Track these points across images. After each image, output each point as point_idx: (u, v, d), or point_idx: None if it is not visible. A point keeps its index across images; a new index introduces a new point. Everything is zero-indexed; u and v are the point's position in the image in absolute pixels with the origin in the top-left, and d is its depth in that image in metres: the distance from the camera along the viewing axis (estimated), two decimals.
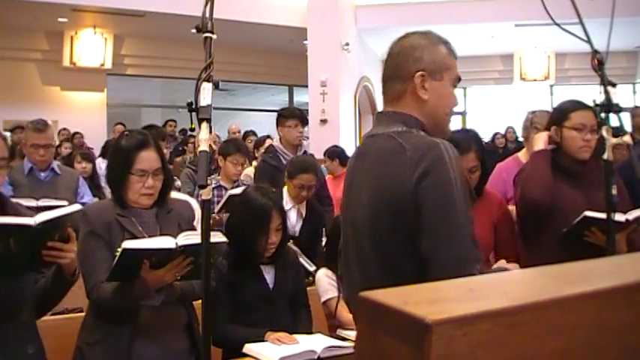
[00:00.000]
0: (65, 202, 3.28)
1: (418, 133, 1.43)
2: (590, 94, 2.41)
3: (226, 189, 4.02)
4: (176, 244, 1.93)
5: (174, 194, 2.50)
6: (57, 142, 7.11)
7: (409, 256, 1.34)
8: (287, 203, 3.44)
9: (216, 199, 3.93)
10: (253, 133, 7.73)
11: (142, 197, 2.14)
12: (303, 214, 3.62)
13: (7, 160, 1.86)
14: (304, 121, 4.25)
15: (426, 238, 1.32)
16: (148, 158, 2.14)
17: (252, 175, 4.66)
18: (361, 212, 1.46)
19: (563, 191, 2.33)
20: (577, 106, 2.42)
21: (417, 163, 1.34)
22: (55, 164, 3.93)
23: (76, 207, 1.87)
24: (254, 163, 5.22)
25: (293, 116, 4.18)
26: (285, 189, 3.58)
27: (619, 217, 2.09)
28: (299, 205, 3.60)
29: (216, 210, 3.71)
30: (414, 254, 1.33)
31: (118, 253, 1.90)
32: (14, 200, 2.04)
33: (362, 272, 1.47)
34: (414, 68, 1.48)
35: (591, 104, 2.45)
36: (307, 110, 8.75)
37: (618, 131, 1.79)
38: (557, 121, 2.43)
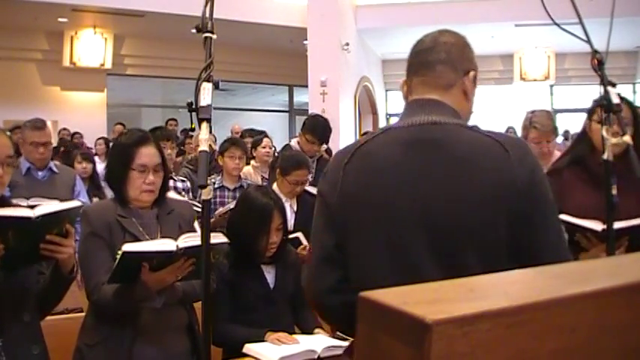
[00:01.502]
0: (56, 202, 3.28)
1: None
2: (590, 94, 2.41)
3: (229, 189, 4.02)
4: (177, 246, 1.93)
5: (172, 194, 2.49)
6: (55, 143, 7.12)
7: (509, 254, 1.28)
8: None
9: (217, 199, 3.94)
10: (250, 134, 7.73)
11: (143, 194, 2.14)
12: (295, 208, 3.63)
13: (13, 159, 1.86)
14: (324, 140, 4.24)
15: (537, 235, 1.29)
16: (148, 153, 2.15)
17: (250, 175, 4.68)
18: (453, 207, 1.29)
19: (585, 196, 2.26)
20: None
21: (521, 160, 1.29)
22: (52, 163, 3.94)
23: (76, 203, 1.88)
24: (252, 162, 5.23)
25: (312, 133, 4.17)
26: (274, 185, 3.59)
27: (595, 225, 2.01)
28: (291, 200, 3.61)
29: (216, 213, 3.71)
30: (512, 252, 1.28)
31: (118, 256, 1.90)
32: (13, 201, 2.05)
33: (452, 274, 1.27)
34: (468, 66, 1.44)
35: (592, 104, 2.44)
36: (307, 110, 8.77)
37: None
38: (588, 115, 2.40)
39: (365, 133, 7.90)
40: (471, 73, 1.44)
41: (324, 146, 4.41)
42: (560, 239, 1.34)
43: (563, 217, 2.11)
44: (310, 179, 3.89)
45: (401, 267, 1.30)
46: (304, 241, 3.27)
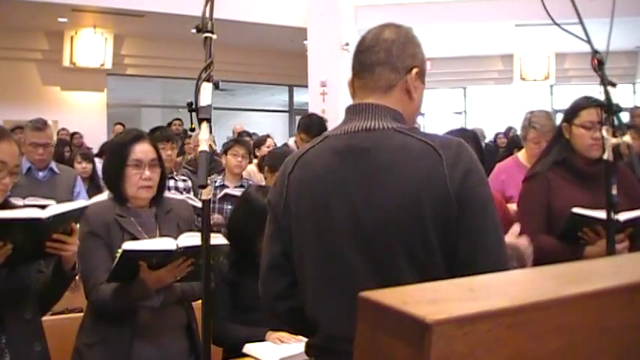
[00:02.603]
0: (52, 202, 3.28)
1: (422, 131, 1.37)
2: (590, 94, 2.40)
3: (229, 188, 4.03)
4: (177, 245, 1.93)
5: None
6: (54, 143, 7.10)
7: (442, 259, 1.26)
8: None
9: (218, 198, 3.95)
10: (248, 134, 7.83)
11: (141, 190, 2.14)
12: None
13: (19, 167, 1.87)
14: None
15: (469, 238, 1.26)
16: (142, 149, 2.17)
17: (253, 174, 4.69)
18: (381, 215, 1.28)
19: (573, 194, 2.29)
20: (589, 103, 2.35)
21: (454, 163, 1.26)
22: (54, 164, 3.93)
23: (84, 203, 1.89)
24: (255, 161, 5.25)
25: (307, 132, 4.18)
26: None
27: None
28: None
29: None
30: (446, 257, 1.27)
31: (118, 254, 1.90)
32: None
33: (386, 281, 1.20)
34: (411, 63, 1.38)
35: (573, 107, 2.43)
36: (307, 110, 8.77)
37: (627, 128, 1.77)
38: (568, 118, 2.40)
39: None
40: (414, 71, 1.38)
41: None
42: (500, 244, 1.30)
43: (576, 210, 2.14)
44: None
45: (336, 275, 1.31)
46: None
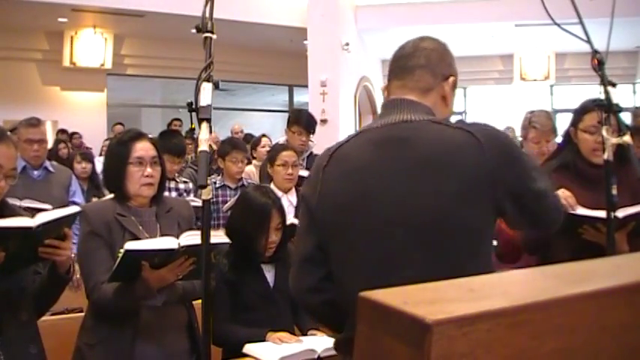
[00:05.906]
0: (49, 206, 3.27)
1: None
2: (591, 94, 2.40)
3: (231, 188, 4.03)
4: (179, 244, 1.93)
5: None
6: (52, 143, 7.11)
7: (488, 240, 1.39)
8: None
9: (220, 198, 3.94)
10: (248, 136, 7.84)
11: (143, 187, 2.15)
12: (294, 203, 3.62)
13: (16, 170, 1.87)
14: (310, 129, 4.27)
15: (527, 211, 1.37)
16: (143, 147, 2.18)
17: (252, 174, 4.68)
18: (425, 203, 1.30)
19: (575, 196, 2.29)
20: (592, 107, 2.28)
21: (492, 146, 1.32)
22: (49, 163, 3.93)
23: (75, 209, 1.89)
24: (254, 162, 5.24)
25: (298, 123, 4.21)
26: (272, 185, 3.58)
27: (605, 214, 2.03)
28: (288, 194, 3.61)
29: (224, 208, 3.75)
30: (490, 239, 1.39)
31: (120, 254, 1.90)
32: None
33: (440, 262, 1.29)
34: (448, 71, 1.48)
35: (579, 111, 2.43)
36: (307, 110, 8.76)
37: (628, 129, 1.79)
38: (573, 122, 2.40)
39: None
40: (451, 79, 1.48)
41: (313, 141, 4.41)
42: (553, 197, 1.43)
43: (572, 211, 2.14)
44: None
45: (378, 265, 1.34)
46: None
